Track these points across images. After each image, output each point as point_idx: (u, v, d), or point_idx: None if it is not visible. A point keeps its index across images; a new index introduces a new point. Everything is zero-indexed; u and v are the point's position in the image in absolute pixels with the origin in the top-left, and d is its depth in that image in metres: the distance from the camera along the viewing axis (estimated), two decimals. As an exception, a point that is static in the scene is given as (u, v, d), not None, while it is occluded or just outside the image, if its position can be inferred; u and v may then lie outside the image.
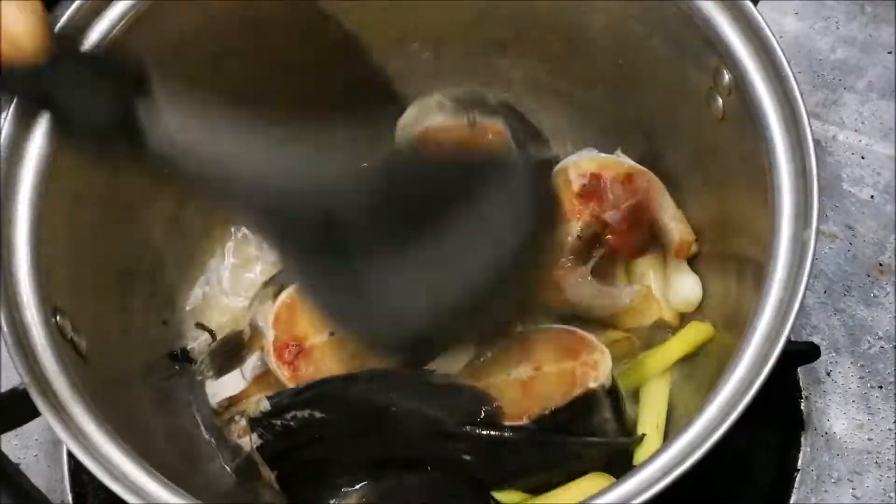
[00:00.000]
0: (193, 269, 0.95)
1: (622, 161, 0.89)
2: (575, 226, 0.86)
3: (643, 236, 0.89)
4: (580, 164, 0.88)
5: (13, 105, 0.72)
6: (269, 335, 0.82)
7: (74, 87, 0.62)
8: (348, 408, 0.77)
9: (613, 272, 0.90)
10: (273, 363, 0.82)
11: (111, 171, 0.81)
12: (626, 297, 0.87)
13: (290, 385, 0.80)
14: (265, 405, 0.77)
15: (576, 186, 0.87)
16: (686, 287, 0.88)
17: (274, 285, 0.85)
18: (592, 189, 0.87)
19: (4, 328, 0.67)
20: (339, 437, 0.78)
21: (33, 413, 0.65)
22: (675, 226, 0.87)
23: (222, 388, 0.87)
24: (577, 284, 0.86)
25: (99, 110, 0.62)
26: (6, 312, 0.68)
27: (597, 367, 0.78)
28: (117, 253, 0.85)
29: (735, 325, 0.75)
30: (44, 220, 0.73)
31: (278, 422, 0.77)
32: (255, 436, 0.78)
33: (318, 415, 0.77)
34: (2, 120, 0.72)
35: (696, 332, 0.85)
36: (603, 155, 0.89)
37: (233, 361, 0.87)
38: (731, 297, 0.82)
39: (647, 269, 0.90)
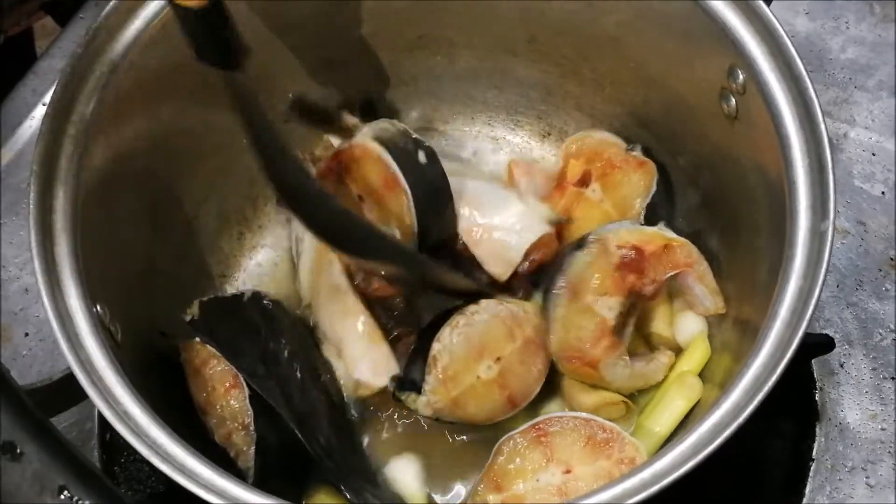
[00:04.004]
0: (208, 269, 0.98)
1: (664, 234, 0.86)
2: (616, 302, 0.84)
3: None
4: (620, 235, 0.85)
5: (51, 99, 0.76)
6: None
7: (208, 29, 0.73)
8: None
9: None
10: None
11: (139, 167, 0.84)
12: (660, 374, 0.87)
13: None
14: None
15: (615, 259, 0.84)
16: (691, 326, 0.89)
17: None
18: (633, 263, 0.84)
19: (50, 314, 0.69)
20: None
21: (80, 397, 0.67)
22: (710, 300, 0.87)
23: None
24: (615, 366, 0.85)
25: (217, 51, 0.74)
26: (51, 299, 0.70)
27: (634, 464, 0.77)
28: (141, 249, 0.87)
29: (749, 327, 0.77)
30: (81, 210, 0.75)
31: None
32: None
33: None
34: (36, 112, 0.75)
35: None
36: (645, 228, 0.87)
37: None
38: (746, 299, 0.83)
39: (655, 317, 0.90)
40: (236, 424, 0.82)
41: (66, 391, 0.68)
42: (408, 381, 0.85)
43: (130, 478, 0.91)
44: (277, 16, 0.87)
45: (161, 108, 0.85)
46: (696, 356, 0.88)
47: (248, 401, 0.81)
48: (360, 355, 0.88)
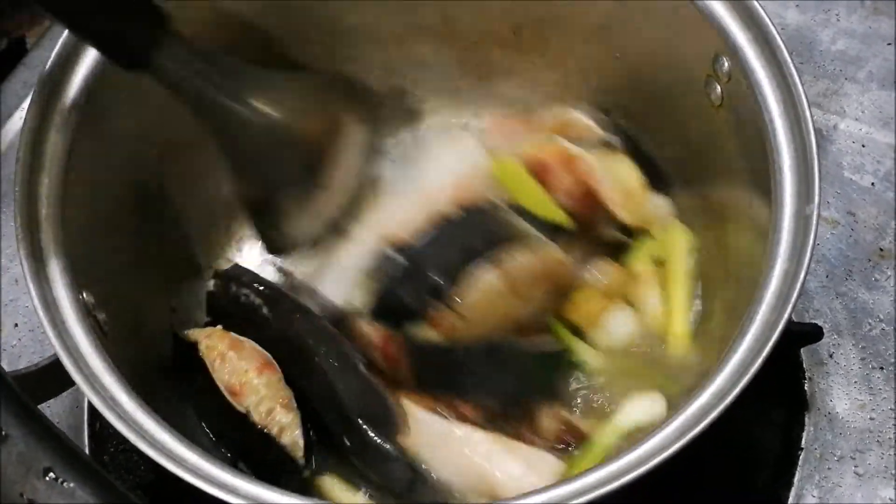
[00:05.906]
0: (196, 260, 0.97)
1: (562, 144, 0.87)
2: None
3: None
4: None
5: (36, 86, 0.76)
6: None
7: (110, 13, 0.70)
8: (288, 325, 0.84)
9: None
10: None
11: (127, 157, 0.84)
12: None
13: None
14: (233, 267, 0.90)
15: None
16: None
17: None
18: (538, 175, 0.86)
19: (35, 300, 0.69)
20: (263, 338, 0.84)
21: (67, 384, 0.67)
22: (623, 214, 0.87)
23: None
24: None
25: (128, 36, 0.72)
26: (36, 286, 0.70)
27: None
28: (128, 238, 0.87)
29: (734, 312, 0.76)
30: (67, 199, 0.75)
31: (234, 286, 0.87)
32: (212, 281, 0.89)
33: (264, 310, 0.85)
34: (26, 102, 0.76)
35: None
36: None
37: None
38: (731, 285, 0.83)
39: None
40: (277, 402, 0.82)
41: (52, 378, 0.68)
42: None
43: (119, 467, 0.91)
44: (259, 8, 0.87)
45: (149, 98, 0.84)
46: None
47: (283, 380, 0.82)
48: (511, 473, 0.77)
